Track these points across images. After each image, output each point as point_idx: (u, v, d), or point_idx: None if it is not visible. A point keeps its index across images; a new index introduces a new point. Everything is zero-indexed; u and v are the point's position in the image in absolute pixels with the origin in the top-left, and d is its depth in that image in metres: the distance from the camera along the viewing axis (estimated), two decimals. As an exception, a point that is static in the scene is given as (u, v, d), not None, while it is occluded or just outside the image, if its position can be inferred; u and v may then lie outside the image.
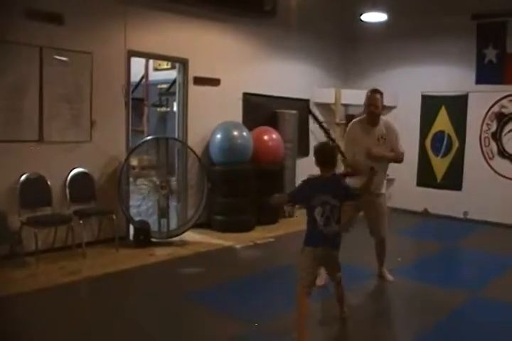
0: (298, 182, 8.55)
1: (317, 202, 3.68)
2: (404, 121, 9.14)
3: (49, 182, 5.82)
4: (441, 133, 8.83)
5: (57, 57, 5.82)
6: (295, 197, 3.98)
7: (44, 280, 4.90)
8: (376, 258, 5.13)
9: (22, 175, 5.59)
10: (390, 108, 9.40)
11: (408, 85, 9.11)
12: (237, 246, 6.50)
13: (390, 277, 5.09)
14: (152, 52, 6.91)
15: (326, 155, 3.83)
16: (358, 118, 5.00)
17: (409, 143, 9.06)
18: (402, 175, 9.21)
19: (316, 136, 9.51)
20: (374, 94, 4.83)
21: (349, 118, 9.37)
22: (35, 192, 5.65)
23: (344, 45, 9.82)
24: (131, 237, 6.47)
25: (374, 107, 4.81)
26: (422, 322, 4.17)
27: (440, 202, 8.75)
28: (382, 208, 5.00)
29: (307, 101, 9.26)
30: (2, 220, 5.35)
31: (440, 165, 8.85)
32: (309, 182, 3.88)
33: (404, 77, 9.18)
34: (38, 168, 5.72)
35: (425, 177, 9.03)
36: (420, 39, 8.82)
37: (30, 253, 5.44)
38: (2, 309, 4.22)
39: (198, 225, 7.09)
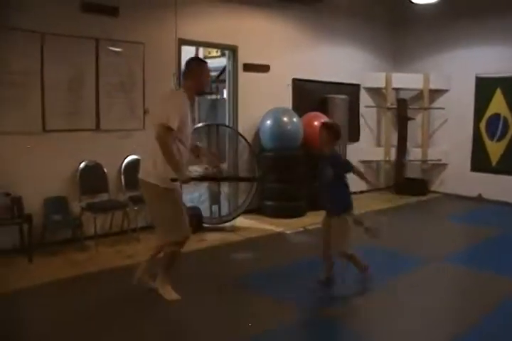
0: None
1: None
2: (457, 105, 8.99)
3: (105, 170, 6.03)
4: (497, 116, 8.57)
5: (111, 48, 5.99)
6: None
7: (104, 263, 5.11)
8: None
9: (81, 163, 5.82)
10: (443, 91, 9.22)
11: (461, 67, 8.88)
12: (288, 231, 6.56)
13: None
14: (202, 40, 7.00)
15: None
16: (180, 90, 4.18)
17: (463, 127, 8.91)
18: (456, 159, 9.05)
19: (366, 121, 9.45)
20: (206, 65, 4.16)
21: (400, 102, 9.27)
22: (93, 179, 5.88)
23: (394, 28, 9.65)
24: (183, 223, 6.62)
25: (209, 78, 4.22)
26: (472, 312, 4.09)
27: (495, 187, 8.54)
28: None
29: (357, 85, 9.18)
30: (65, 206, 5.62)
31: (495, 149, 8.61)
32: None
33: (458, 58, 8.95)
34: (95, 155, 5.94)
35: (479, 161, 8.81)
36: (474, 18, 8.57)
37: (89, 237, 5.68)
38: (70, 289, 4.44)
39: (249, 211, 7.19)
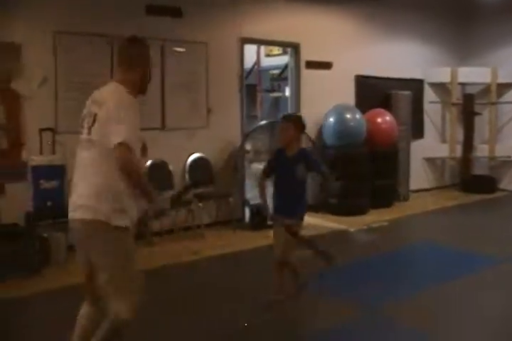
0: (412, 165, 8.41)
1: None
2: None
3: (170, 167, 6.17)
4: None
5: (176, 48, 6.13)
6: None
7: (170, 259, 5.25)
8: None
9: (148, 161, 5.97)
10: (513, 85, 8.90)
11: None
12: (351, 229, 6.51)
13: None
14: (264, 39, 7.05)
15: None
16: (122, 88, 2.67)
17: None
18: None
19: (430, 118, 9.23)
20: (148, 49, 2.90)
21: (467, 97, 9.01)
22: (158, 176, 6.02)
23: (459, 22, 9.35)
24: (246, 220, 6.69)
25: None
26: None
27: None
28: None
29: (421, 81, 8.99)
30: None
31: None
32: None
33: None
34: (160, 153, 6.07)
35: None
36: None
37: (155, 233, 5.85)
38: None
39: (312, 208, 7.16)
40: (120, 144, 2.46)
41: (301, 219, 3.95)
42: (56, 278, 4.63)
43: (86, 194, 2.58)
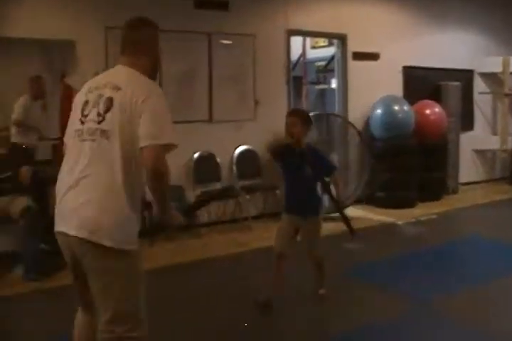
0: (462, 157, 8.24)
1: None
2: None
3: (218, 159, 6.24)
4: None
5: (223, 41, 6.18)
6: None
7: (217, 250, 5.31)
8: None
9: (195, 153, 6.06)
10: None
11: None
12: (399, 222, 6.45)
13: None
14: (311, 30, 7.01)
15: None
16: (135, 71, 2.29)
17: None
18: None
19: (481, 109, 9.01)
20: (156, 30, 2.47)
21: (519, 87, 8.75)
22: (206, 168, 6.12)
23: (510, 9, 9.06)
24: (293, 212, 6.71)
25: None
26: None
27: None
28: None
29: (471, 71, 8.77)
30: (181, 194, 5.90)
31: None
32: None
33: None
34: (208, 146, 6.16)
35: None
36: None
37: (203, 225, 5.94)
38: (182, 274, 4.67)
39: (359, 201, 7.14)
40: (164, 146, 2.10)
41: (317, 215, 3.90)
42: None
43: (88, 200, 2.08)
